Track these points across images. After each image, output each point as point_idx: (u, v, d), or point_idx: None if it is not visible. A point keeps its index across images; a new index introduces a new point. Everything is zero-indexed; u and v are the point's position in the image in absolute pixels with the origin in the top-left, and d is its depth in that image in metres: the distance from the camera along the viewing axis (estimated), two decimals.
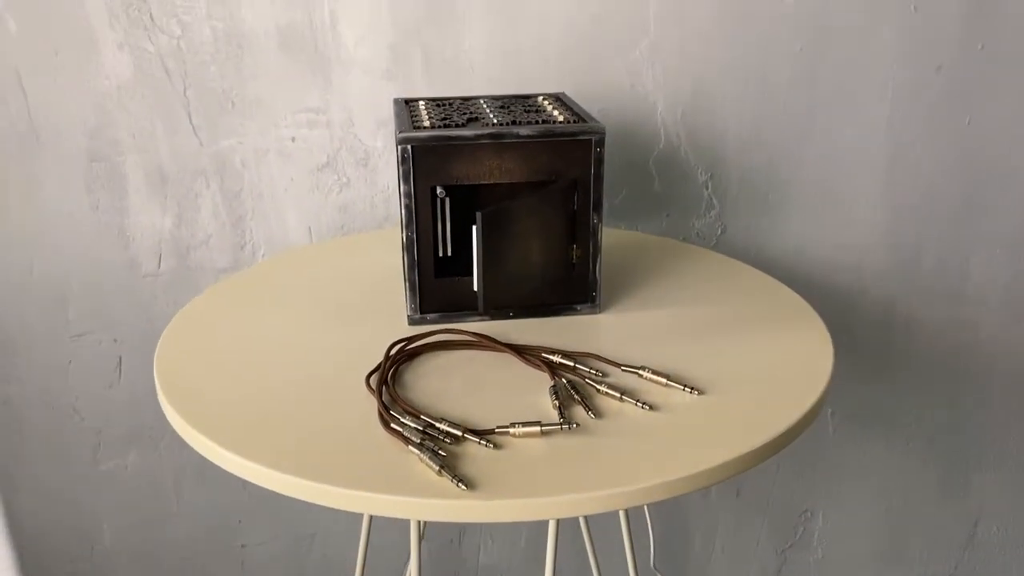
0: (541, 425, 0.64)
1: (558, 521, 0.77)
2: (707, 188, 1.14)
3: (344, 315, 0.85)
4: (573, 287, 0.83)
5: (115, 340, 1.17)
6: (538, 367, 0.74)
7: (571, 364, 0.74)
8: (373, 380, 0.72)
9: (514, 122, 0.79)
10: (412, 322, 0.82)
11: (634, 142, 1.11)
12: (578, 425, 0.65)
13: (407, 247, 0.80)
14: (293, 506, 1.26)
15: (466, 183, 0.78)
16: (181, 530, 1.28)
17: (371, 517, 0.95)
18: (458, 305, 0.82)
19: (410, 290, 0.81)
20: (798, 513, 1.36)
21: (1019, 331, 1.25)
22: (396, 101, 0.90)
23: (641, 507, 1.18)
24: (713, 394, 0.71)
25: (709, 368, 0.74)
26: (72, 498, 1.25)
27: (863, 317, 1.23)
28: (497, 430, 0.64)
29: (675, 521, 1.34)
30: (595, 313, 0.84)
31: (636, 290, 0.90)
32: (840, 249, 1.18)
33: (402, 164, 0.77)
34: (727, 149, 1.12)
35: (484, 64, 1.06)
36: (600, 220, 0.81)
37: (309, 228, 1.13)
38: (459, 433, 0.64)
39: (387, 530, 1.25)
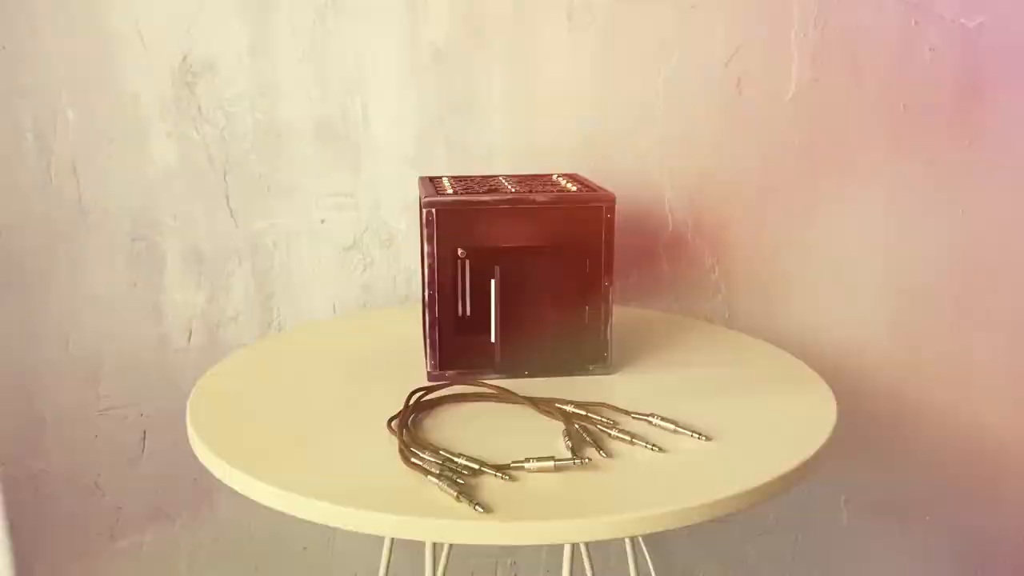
0: (555, 460, 0.67)
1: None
2: (714, 272, 1.19)
3: (367, 374, 0.89)
4: (585, 347, 0.87)
5: (141, 414, 1.21)
6: (551, 415, 0.78)
7: (583, 413, 0.77)
8: (395, 424, 0.75)
9: (530, 191, 0.86)
10: (431, 378, 0.86)
11: (644, 227, 1.17)
12: (590, 460, 0.68)
13: (428, 305, 0.85)
14: None
15: (485, 245, 0.84)
16: None
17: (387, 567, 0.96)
18: (476, 363, 0.86)
19: (430, 347, 0.86)
20: None
21: None
22: (422, 178, 0.97)
23: None
24: (721, 440, 0.74)
25: (717, 419, 0.77)
26: None
27: (872, 403, 1.25)
28: (512, 464, 0.68)
29: None
30: (608, 374, 0.88)
31: (648, 356, 0.94)
32: (845, 336, 1.22)
33: (426, 227, 0.83)
34: (733, 235, 1.18)
35: (503, 152, 1.14)
36: (611, 283, 0.86)
37: (333, 306, 1.19)
38: (476, 466, 0.67)
39: None
